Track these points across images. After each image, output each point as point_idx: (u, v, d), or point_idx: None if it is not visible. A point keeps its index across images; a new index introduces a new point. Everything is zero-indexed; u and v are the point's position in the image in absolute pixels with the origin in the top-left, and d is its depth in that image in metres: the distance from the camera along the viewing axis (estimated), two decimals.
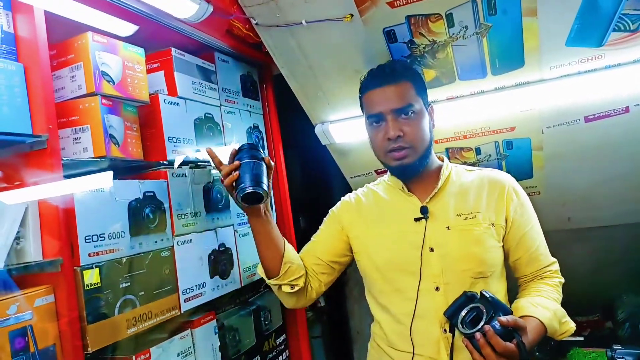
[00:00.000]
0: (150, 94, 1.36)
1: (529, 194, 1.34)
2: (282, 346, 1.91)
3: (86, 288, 1.08)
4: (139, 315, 1.21)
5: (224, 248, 1.57)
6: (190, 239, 1.43)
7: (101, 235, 1.14)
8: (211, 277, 1.49)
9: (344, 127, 1.85)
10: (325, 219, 1.46)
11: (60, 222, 1.04)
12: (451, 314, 1.10)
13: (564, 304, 1.24)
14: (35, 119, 1.03)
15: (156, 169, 1.39)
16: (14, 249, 1.04)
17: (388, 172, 1.37)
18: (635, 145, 1.65)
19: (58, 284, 1.03)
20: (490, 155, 1.85)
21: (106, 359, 1.19)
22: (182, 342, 1.37)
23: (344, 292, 2.59)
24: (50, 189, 1.05)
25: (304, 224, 2.51)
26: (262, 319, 1.78)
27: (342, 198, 1.46)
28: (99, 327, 1.09)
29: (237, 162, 1.25)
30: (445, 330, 1.19)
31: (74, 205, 1.08)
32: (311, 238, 1.46)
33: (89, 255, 1.11)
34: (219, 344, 1.50)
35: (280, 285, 1.33)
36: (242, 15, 1.55)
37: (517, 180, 1.34)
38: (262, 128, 1.92)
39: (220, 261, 1.54)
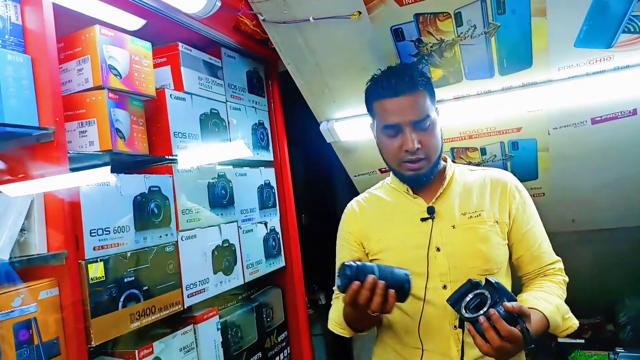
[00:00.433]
0: (156, 89, 1.36)
1: (533, 195, 1.33)
2: (284, 343, 1.92)
3: (90, 282, 1.08)
4: (142, 309, 1.21)
5: (227, 244, 1.57)
6: (194, 235, 1.43)
7: (106, 229, 1.14)
8: (214, 273, 1.49)
9: (349, 125, 1.84)
10: (337, 243, 1.39)
11: (66, 215, 1.04)
12: (454, 301, 1.08)
13: None
14: (42, 112, 1.03)
15: (161, 163, 1.38)
16: (19, 241, 1.04)
17: (391, 173, 1.36)
18: None
19: (62, 277, 1.03)
20: (495, 156, 1.84)
21: (109, 352, 1.20)
22: (185, 337, 1.37)
23: None
24: (56, 182, 1.05)
25: (306, 221, 2.51)
26: (264, 315, 1.78)
27: (345, 211, 1.40)
28: (102, 320, 1.09)
29: (371, 276, 1.04)
30: (455, 326, 1.19)
31: (79, 199, 1.08)
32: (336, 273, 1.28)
33: (94, 249, 1.11)
34: (221, 339, 1.51)
35: None
36: (249, 11, 1.55)
37: (522, 181, 1.33)
38: (267, 125, 1.92)
39: (223, 257, 1.55)
